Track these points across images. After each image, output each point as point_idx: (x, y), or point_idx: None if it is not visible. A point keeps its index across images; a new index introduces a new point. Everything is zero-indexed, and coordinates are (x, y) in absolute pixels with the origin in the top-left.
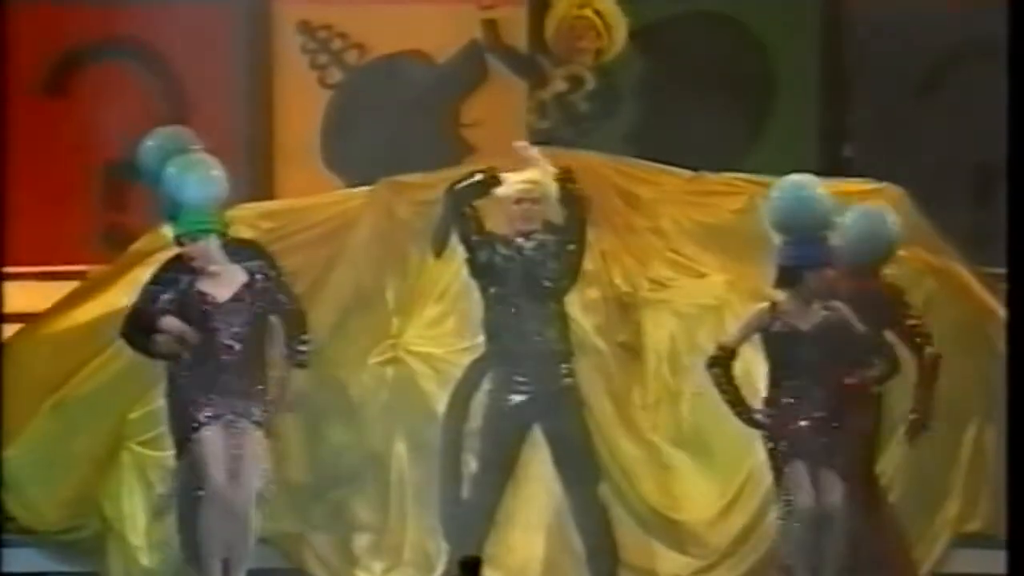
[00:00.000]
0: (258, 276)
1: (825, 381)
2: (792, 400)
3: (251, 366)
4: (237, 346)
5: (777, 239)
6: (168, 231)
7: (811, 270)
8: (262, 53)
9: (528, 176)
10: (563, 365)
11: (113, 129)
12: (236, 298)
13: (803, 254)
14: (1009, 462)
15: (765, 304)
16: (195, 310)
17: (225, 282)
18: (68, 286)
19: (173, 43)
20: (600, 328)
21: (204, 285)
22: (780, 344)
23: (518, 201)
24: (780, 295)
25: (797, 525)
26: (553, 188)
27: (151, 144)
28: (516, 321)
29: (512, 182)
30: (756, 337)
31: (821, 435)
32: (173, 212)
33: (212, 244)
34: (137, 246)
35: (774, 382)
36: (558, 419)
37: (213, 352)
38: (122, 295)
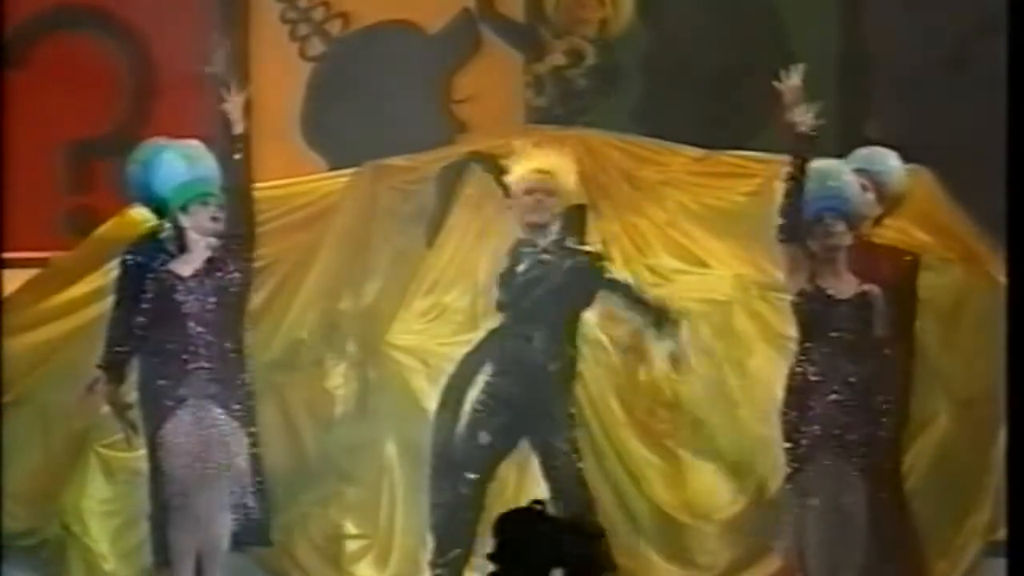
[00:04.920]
0: (219, 256)
1: (855, 356)
2: (821, 376)
3: (221, 352)
4: (203, 329)
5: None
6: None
7: (840, 216)
8: (238, 22)
9: (541, 163)
10: (564, 387)
11: (76, 105)
12: (201, 273)
13: (830, 196)
14: (1009, 462)
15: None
16: (163, 289)
17: (196, 260)
18: (28, 274)
19: (140, 12)
20: (602, 318)
21: (177, 266)
22: (813, 308)
23: (529, 191)
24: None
25: (814, 526)
26: (572, 179)
27: (138, 157)
28: (518, 337)
29: (522, 170)
30: (780, 336)
31: (847, 419)
32: (169, 193)
33: (208, 212)
34: (103, 230)
35: (803, 352)
36: (549, 443)
37: (179, 336)
38: (89, 283)
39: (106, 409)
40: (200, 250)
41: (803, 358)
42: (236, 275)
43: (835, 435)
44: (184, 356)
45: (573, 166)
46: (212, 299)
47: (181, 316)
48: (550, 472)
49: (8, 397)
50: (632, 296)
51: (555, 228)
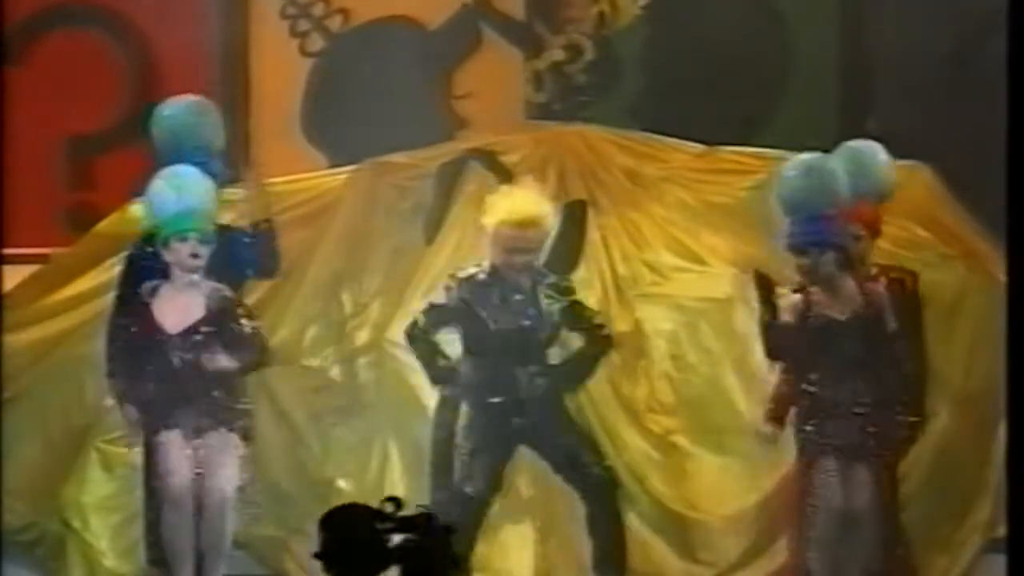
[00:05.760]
0: (215, 307)
1: (864, 371)
2: (828, 395)
3: (215, 383)
4: (192, 372)
5: (785, 221)
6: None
7: (827, 248)
8: (237, 18)
9: (521, 211)
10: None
11: (77, 101)
12: (188, 332)
13: (815, 230)
14: (1009, 459)
15: (798, 296)
16: (146, 339)
17: (181, 308)
18: (28, 270)
19: (141, 8)
20: (600, 315)
21: (159, 309)
22: (817, 338)
23: (509, 251)
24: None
25: (822, 526)
26: (553, 221)
27: (166, 114)
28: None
29: (501, 215)
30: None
31: (855, 429)
32: (156, 224)
33: (187, 248)
34: (103, 226)
35: (812, 373)
36: (550, 441)
37: (168, 377)
38: (89, 279)
39: (110, 403)
40: (183, 286)
41: (812, 378)
42: (233, 334)
43: (845, 445)
44: (171, 399)
45: (550, 203)
46: (203, 355)
47: (168, 367)
48: (564, 472)
49: (8, 393)
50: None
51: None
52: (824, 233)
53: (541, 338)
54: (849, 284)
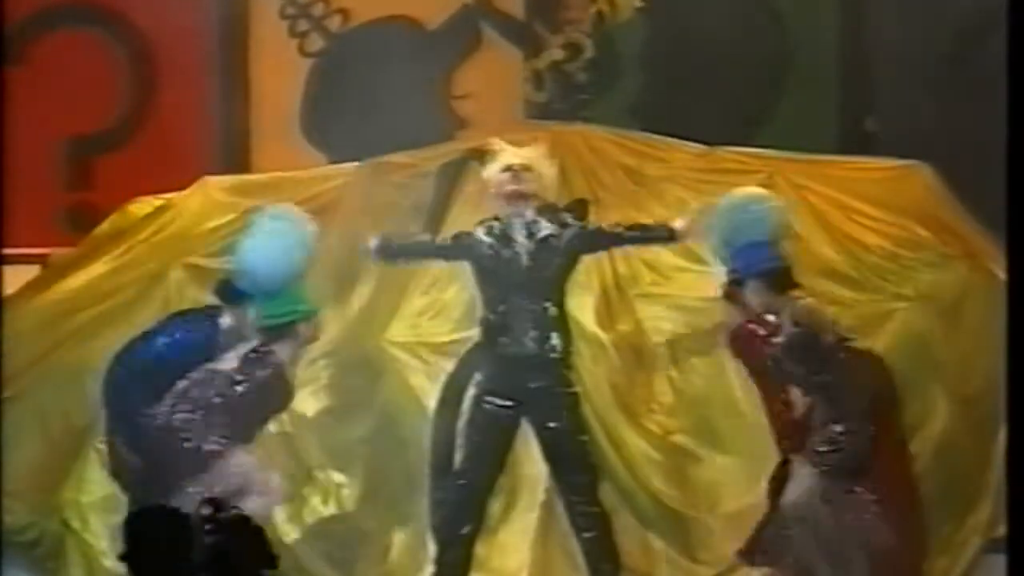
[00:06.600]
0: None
1: (816, 390)
2: (792, 409)
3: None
4: None
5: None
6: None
7: (762, 275)
8: (237, 18)
9: (517, 157)
10: (561, 370)
11: (77, 101)
12: None
13: (755, 259)
14: (1009, 459)
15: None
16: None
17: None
18: (27, 270)
19: (140, 8)
20: (599, 315)
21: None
22: (772, 363)
23: (507, 168)
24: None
25: (805, 530)
26: (549, 169)
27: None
28: (508, 321)
29: (502, 164)
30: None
31: (822, 445)
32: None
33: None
34: (104, 228)
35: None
36: (550, 420)
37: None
38: (90, 281)
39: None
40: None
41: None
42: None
43: (818, 460)
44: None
45: (551, 161)
46: None
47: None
48: (550, 451)
49: (8, 393)
50: (625, 233)
51: (535, 204)
52: (761, 260)
53: (546, 276)
54: (785, 306)
